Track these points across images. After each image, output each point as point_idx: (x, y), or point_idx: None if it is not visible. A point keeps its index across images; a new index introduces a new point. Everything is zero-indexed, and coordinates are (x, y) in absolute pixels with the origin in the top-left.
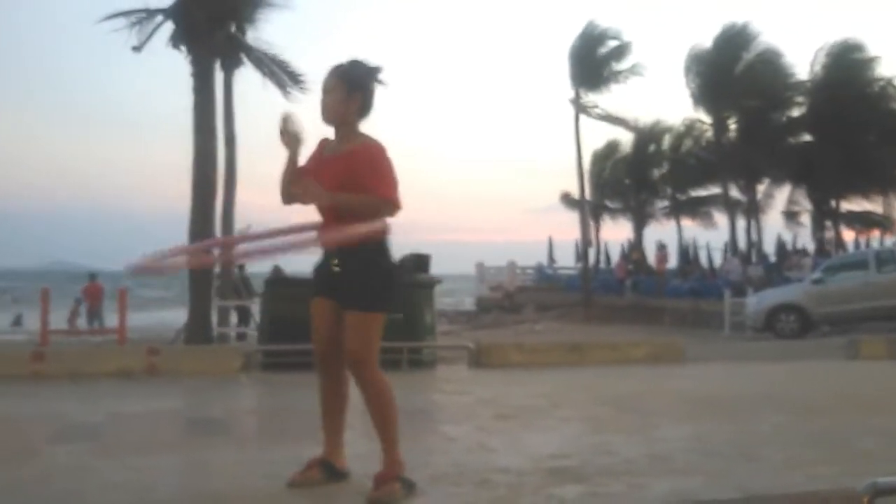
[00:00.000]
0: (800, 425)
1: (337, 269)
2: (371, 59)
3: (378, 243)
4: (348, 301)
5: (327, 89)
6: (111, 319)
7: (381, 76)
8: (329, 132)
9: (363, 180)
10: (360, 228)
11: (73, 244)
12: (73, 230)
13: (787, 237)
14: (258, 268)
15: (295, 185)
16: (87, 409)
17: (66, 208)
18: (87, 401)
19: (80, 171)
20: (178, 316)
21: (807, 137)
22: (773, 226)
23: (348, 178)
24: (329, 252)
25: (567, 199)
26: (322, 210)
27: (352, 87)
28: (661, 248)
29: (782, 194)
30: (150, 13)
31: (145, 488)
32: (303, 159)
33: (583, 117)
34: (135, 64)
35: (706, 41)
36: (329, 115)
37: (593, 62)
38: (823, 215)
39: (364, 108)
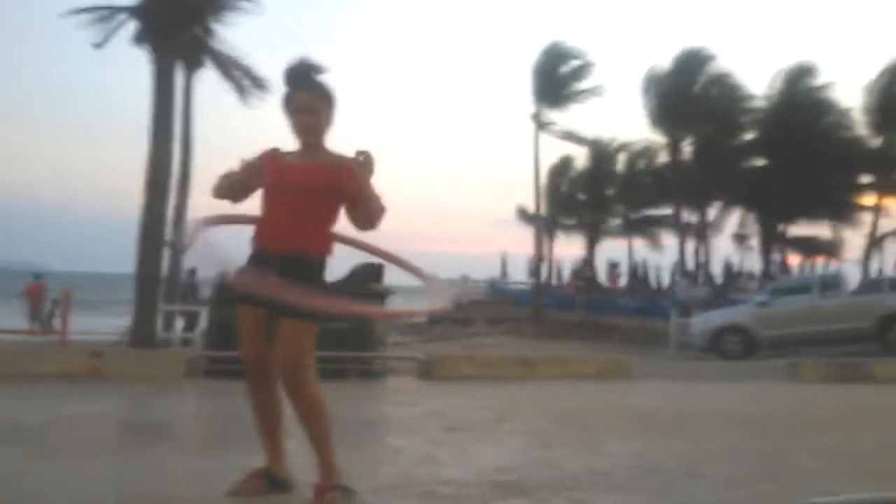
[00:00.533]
0: (744, 444)
1: (276, 277)
2: (315, 60)
3: (321, 260)
4: (285, 309)
5: (313, 110)
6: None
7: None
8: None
9: (352, 194)
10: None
11: (15, 243)
12: (16, 229)
13: (735, 260)
14: (207, 273)
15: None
16: (26, 410)
17: (9, 206)
18: (27, 402)
19: (26, 166)
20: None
21: (759, 162)
22: (722, 248)
23: (332, 190)
24: (264, 253)
25: (523, 214)
26: (291, 205)
27: (333, 106)
28: (614, 266)
29: (732, 217)
30: (114, 10)
31: (81, 492)
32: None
33: (543, 134)
34: (95, 61)
35: (665, 62)
36: (313, 134)
37: (555, 80)
38: (771, 239)
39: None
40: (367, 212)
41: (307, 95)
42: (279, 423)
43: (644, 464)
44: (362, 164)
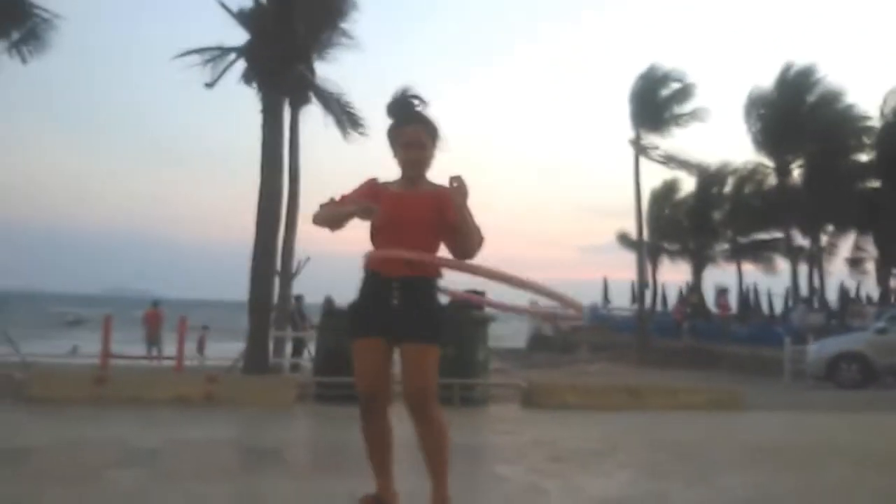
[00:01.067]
0: (865, 479)
1: (397, 301)
2: (417, 92)
3: (434, 278)
4: (410, 334)
5: (422, 144)
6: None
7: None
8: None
9: (449, 221)
10: (426, 258)
11: (131, 271)
12: (132, 258)
13: (850, 284)
14: (312, 299)
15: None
16: (145, 434)
17: (128, 236)
18: (145, 426)
19: (142, 200)
20: (228, 346)
21: (874, 184)
22: (836, 273)
23: (438, 218)
24: (381, 279)
25: (624, 239)
26: (403, 237)
27: (438, 140)
28: (723, 291)
29: (847, 241)
30: (223, 51)
31: None
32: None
33: (644, 159)
34: (205, 100)
35: (767, 82)
36: (422, 169)
37: (655, 104)
38: (889, 263)
39: None
40: (467, 240)
41: (416, 130)
42: (390, 451)
43: (760, 498)
44: (457, 189)
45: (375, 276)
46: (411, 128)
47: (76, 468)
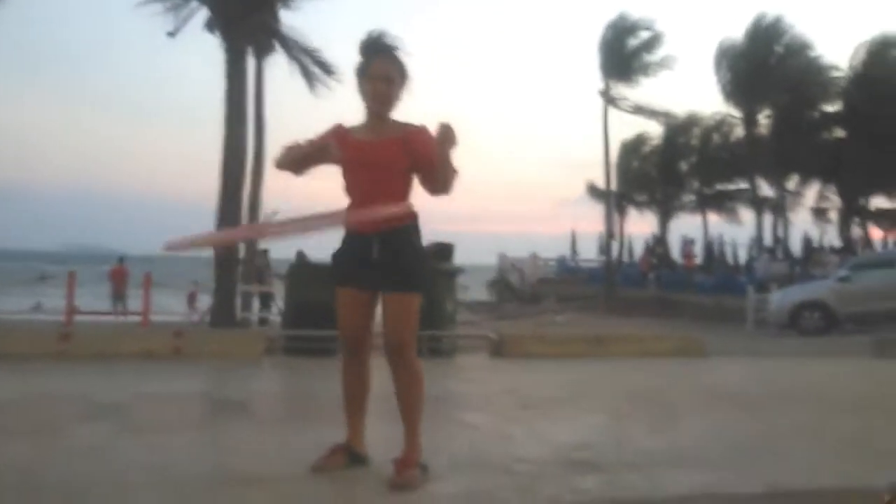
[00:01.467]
0: (827, 422)
1: (377, 255)
2: (392, 34)
3: (414, 225)
4: (389, 284)
5: (388, 78)
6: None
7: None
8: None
9: (424, 161)
10: (394, 209)
11: (92, 226)
12: (94, 213)
13: (814, 234)
14: (281, 253)
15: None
16: (112, 388)
17: (88, 191)
18: (112, 380)
19: (102, 154)
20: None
21: (839, 134)
22: (800, 223)
23: (407, 161)
24: (361, 236)
25: (593, 191)
26: (373, 182)
27: (405, 80)
28: (689, 242)
29: (811, 191)
30: None
31: (166, 467)
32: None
33: (613, 109)
34: (167, 50)
35: (738, 34)
36: (387, 105)
37: (624, 53)
38: (852, 213)
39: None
40: (443, 177)
41: (384, 62)
42: (365, 400)
43: (725, 442)
44: (445, 136)
45: (354, 232)
46: (379, 61)
47: (39, 422)
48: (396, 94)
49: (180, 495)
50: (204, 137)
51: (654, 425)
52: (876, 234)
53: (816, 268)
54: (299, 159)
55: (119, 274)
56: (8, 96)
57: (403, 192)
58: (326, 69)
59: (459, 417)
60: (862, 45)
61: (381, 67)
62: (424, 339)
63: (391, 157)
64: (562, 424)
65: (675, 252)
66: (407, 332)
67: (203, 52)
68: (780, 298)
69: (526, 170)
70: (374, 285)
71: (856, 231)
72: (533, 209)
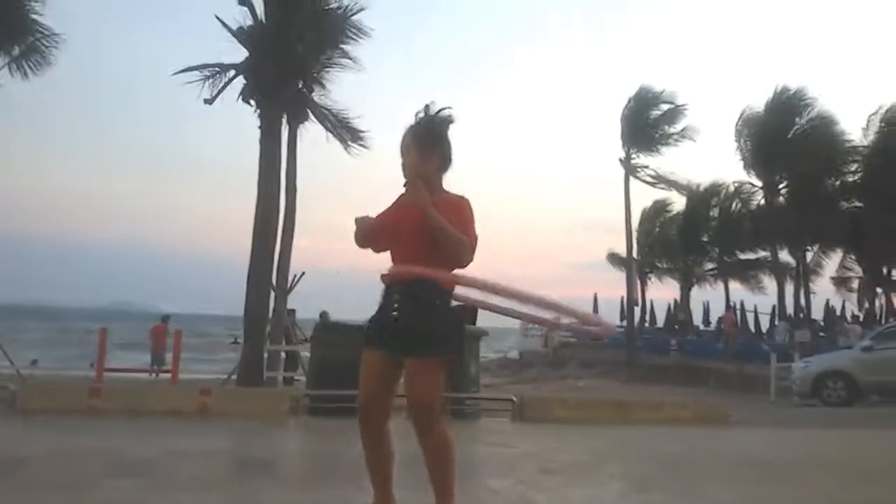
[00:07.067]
0: (849, 493)
1: (395, 313)
2: (441, 107)
3: (438, 289)
4: (410, 348)
5: (403, 151)
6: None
7: (451, 124)
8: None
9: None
10: (427, 271)
11: (130, 285)
12: (130, 271)
13: (836, 303)
14: (305, 314)
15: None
16: (140, 445)
17: (126, 249)
18: (140, 437)
19: (139, 214)
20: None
21: (858, 203)
22: (822, 291)
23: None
24: (386, 296)
25: (614, 258)
26: (402, 247)
27: (427, 145)
28: (729, 309)
29: (832, 260)
30: (223, 68)
31: None
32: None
33: (633, 178)
34: (204, 116)
35: (759, 104)
36: (410, 175)
37: (645, 124)
38: (874, 282)
39: (443, 162)
40: (446, 247)
41: (403, 136)
42: (389, 464)
43: None
44: (410, 194)
45: (385, 288)
46: (403, 134)
47: (71, 478)
48: (417, 164)
49: None
50: (242, 201)
51: (677, 493)
52: None
53: (839, 337)
54: (368, 232)
55: (159, 332)
56: (61, 161)
57: (428, 256)
58: (355, 135)
59: (482, 482)
60: (875, 115)
61: (402, 140)
62: (448, 401)
63: (413, 220)
64: (584, 490)
65: (697, 319)
66: (428, 397)
67: (244, 118)
68: (804, 368)
69: (549, 234)
70: (397, 349)
71: (879, 300)
72: (555, 272)
